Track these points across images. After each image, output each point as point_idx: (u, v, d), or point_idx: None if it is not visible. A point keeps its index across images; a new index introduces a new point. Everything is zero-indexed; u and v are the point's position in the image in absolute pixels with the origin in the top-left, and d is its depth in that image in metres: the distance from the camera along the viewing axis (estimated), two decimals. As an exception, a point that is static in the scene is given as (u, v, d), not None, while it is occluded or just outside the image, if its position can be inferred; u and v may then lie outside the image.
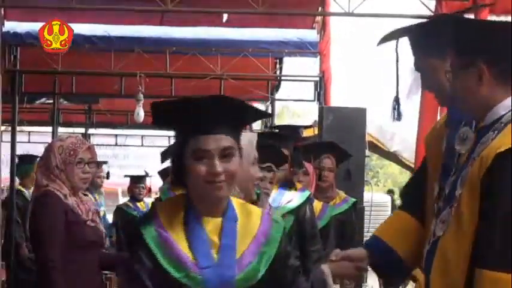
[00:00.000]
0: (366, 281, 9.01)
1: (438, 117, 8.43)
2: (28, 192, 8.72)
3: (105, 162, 9.79)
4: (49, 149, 4.29)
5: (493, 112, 2.55)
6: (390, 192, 17.68)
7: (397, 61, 2.97)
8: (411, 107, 9.70)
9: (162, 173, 7.96)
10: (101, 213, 8.82)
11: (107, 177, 9.83)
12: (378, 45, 2.95)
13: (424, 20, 2.91)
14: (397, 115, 3.05)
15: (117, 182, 17.98)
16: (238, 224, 2.51)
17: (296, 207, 4.73)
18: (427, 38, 2.77)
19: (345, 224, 5.95)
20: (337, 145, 6.35)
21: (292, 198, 4.81)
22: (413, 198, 3.07)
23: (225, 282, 2.43)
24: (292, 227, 4.38)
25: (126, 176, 10.20)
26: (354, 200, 6.21)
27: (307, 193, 4.92)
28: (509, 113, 2.52)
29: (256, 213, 2.58)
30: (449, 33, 2.60)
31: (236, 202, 2.57)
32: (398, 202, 20.99)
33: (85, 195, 8.78)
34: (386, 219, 3.22)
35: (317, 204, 5.55)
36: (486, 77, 2.54)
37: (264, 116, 2.94)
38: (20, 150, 12.19)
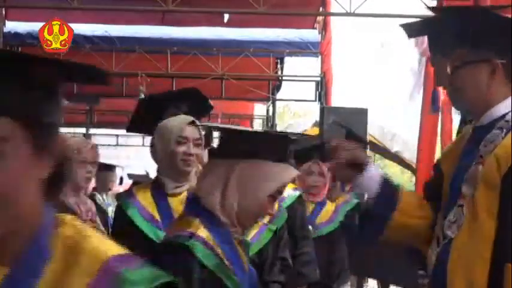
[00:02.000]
0: (367, 282, 9.01)
1: (439, 118, 8.46)
2: (101, 197, 8.84)
3: (119, 166, 9.78)
4: None
5: (493, 111, 2.53)
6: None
7: (431, 51, 2.86)
8: (412, 108, 9.71)
9: None
10: (109, 213, 8.86)
11: (120, 183, 9.75)
12: (409, 38, 2.87)
13: (437, 13, 2.81)
14: (436, 107, 3.01)
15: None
16: (44, 281, 1.26)
17: (286, 207, 4.67)
18: (442, 32, 2.65)
19: (347, 224, 5.90)
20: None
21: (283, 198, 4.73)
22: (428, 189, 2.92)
23: None
24: (283, 227, 4.33)
25: (129, 175, 10.13)
26: (356, 201, 6.15)
27: (296, 193, 4.88)
28: None
29: (93, 261, 1.27)
30: (461, 27, 2.55)
31: (63, 236, 1.31)
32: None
33: (93, 194, 8.83)
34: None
35: (330, 207, 5.54)
36: (498, 73, 2.50)
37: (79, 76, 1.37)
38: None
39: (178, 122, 3.32)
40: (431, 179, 2.94)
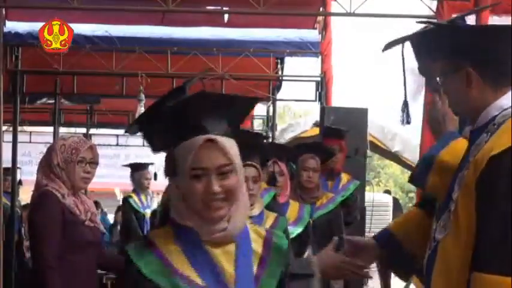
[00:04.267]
0: (367, 283, 9.00)
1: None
2: (138, 201, 8.74)
3: (151, 164, 9.70)
4: (51, 147, 4.29)
5: (484, 114, 2.57)
6: (387, 192, 17.68)
7: (403, 65, 2.95)
8: (414, 108, 9.71)
9: None
10: (147, 215, 8.72)
11: (155, 179, 9.57)
12: (383, 51, 2.94)
13: (422, 28, 2.92)
14: (406, 119, 3.03)
15: (116, 182, 17.98)
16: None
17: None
18: (424, 45, 2.80)
19: (332, 224, 5.82)
20: (322, 144, 6.33)
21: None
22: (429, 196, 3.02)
23: None
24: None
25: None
26: (341, 199, 6.15)
27: (271, 193, 4.84)
28: (501, 113, 2.53)
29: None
30: (440, 40, 2.64)
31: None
32: (401, 202, 21.01)
33: (129, 196, 8.68)
34: (403, 214, 3.18)
35: (294, 206, 5.45)
36: (475, 79, 2.57)
37: None
38: (21, 150, 12.18)
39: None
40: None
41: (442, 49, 2.64)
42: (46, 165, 4.24)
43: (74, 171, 4.20)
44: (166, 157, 2.19)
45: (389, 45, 2.92)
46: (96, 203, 12.95)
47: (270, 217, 4.16)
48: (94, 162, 4.30)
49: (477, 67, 2.56)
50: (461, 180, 2.49)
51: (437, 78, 2.70)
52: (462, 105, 2.63)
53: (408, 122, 2.99)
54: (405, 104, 2.97)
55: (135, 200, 8.79)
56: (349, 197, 6.79)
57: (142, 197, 8.87)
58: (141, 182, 8.90)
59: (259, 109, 15.29)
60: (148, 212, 8.75)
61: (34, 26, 10.12)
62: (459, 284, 2.43)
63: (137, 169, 9.08)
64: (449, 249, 2.48)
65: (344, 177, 7.05)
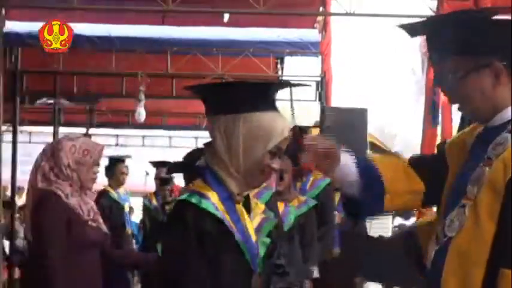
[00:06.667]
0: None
1: (440, 119, 8.46)
2: (116, 193, 8.58)
3: (129, 157, 9.54)
4: (59, 148, 4.24)
5: (504, 113, 2.54)
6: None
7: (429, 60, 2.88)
8: (413, 108, 9.72)
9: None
10: (126, 209, 8.59)
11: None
12: (411, 37, 2.87)
13: (439, 16, 2.81)
14: (435, 121, 2.99)
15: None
16: None
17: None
18: (440, 35, 2.65)
19: (305, 227, 5.53)
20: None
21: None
22: (420, 160, 2.89)
23: None
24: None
25: (152, 162, 9.74)
26: (315, 202, 5.81)
27: (270, 191, 4.77)
28: None
29: None
30: (460, 33, 2.57)
31: None
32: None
33: (106, 191, 8.54)
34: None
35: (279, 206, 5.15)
36: (504, 76, 2.52)
37: None
38: (21, 150, 12.18)
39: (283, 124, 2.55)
40: (431, 155, 2.94)
41: (468, 44, 2.54)
42: (54, 166, 4.20)
43: (86, 173, 4.21)
44: None
45: (405, 27, 2.85)
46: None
47: (257, 218, 4.08)
48: (99, 164, 4.33)
49: (506, 64, 2.50)
50: (479, 177, 2.47)
51: (450, 75, 2.56)
52: (481, 103, 2.54)
53: (437, 124, 2.95)
54: (434, 106, 2.90)
55: (113, 194, 8.55)
56: (318, 195, 6.19)
57: (120, 191, 8.67)
58: (118, 177, 8.64)
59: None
60: (127, 205, 8.60)
61: (34, 26, 10.11)
62: (475, 281, 2.42)
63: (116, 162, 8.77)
64: (466, 246, 2.45)
65: (315, 175, 6.45)
